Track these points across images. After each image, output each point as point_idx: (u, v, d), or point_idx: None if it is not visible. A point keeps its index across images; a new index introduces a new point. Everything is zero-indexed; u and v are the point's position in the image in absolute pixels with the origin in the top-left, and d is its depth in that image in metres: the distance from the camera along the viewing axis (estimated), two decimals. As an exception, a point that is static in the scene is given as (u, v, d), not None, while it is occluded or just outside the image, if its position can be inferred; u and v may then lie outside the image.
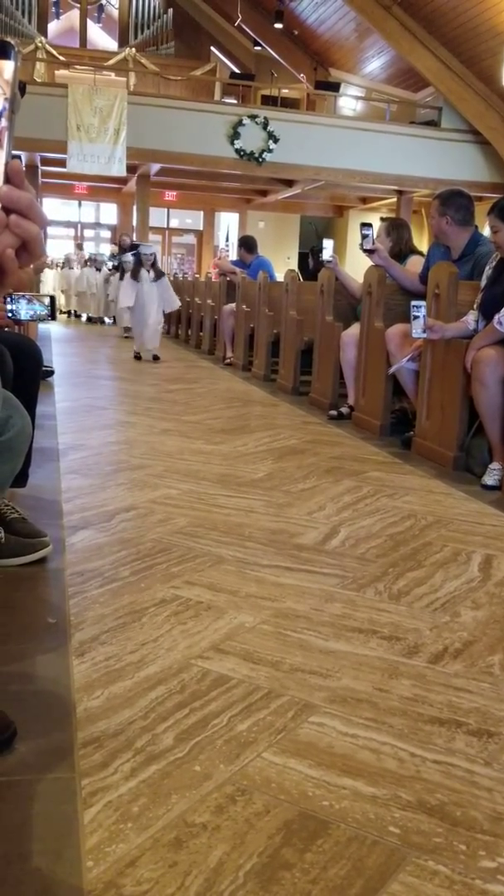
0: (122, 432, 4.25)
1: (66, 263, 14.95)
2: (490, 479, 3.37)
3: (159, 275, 8.00)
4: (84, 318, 14.66)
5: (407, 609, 2.05)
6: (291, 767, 1.35)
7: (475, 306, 3.71)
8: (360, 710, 1.54)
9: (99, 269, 13.32)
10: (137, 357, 8.12)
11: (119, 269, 10.68)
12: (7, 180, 0.62)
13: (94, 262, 13.43)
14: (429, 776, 1.35)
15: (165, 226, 19.02)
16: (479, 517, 2.95)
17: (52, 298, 2.23)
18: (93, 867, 1.11)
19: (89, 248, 17.71)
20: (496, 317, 3.38)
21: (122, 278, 9.94)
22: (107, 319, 13.64)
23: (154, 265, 7.93)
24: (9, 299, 2.11)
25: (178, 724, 1.46)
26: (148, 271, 7.83)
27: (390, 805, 1.27)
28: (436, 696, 1.61)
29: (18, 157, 0.58)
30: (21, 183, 0.65)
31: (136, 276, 7.87)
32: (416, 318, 3.61)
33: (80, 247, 17.03)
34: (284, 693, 1.59)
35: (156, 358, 8.02)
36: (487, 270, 3.70)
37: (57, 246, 16.50)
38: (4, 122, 0.61)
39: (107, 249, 16.30)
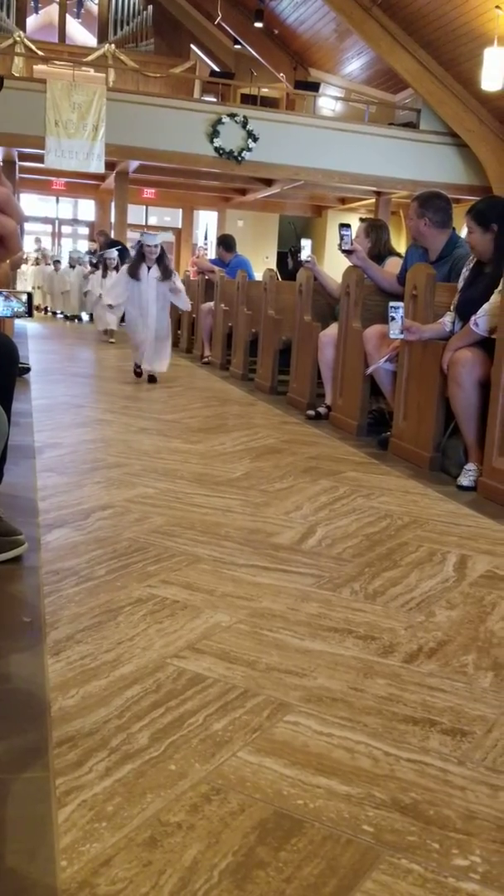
0: (99, 430, 4.23)
1: (43, 259, 14.85)
2: (465, 479, 3.40)
3: (167, 273, 6.08)
4: (60, 315, 14.58)
5: (382, 609, 2.06)
6: (266, 766, 1.35)
7: (452, 308, 3.73)
8: (335, 710, 1.55)
9: (73, 267, 13.23)
10: (138, 372, 6.40)
11: (100, 265, 10.36)
12: None
13: (72, 260, 13.34)
14: (403, 775, 1.36)
15: (144, 223, 18.94)
16: (454, 517, 2.97)
17: (30, 295, 2.22)
18: (67, 867, 1.11)
19: (67, 245, 17.61)
20: (473, 318, 3.41)
21: (104, 275, 9.73)
22: (84, 316, 13.56)
23: (162, 259, 6.06)
24: (-15, 296, 2.09)
25: (154, 724, 1.46)
26: (150, 268, 6.04)
27: (364, 804, 1.27)
28: (410, 695, 1.62)
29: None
30: None
31: (135, 272, 6.02)
32: (393, 318, 3.63)
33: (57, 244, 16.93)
34: (260, 692, 1.59)
35: (152, 379, 6.27)
36: (464, 272, 3.73)
37: (34, 242, 16.37)
38: None
39: (84, 246, 16.22)
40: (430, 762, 1.40)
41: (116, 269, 9.41)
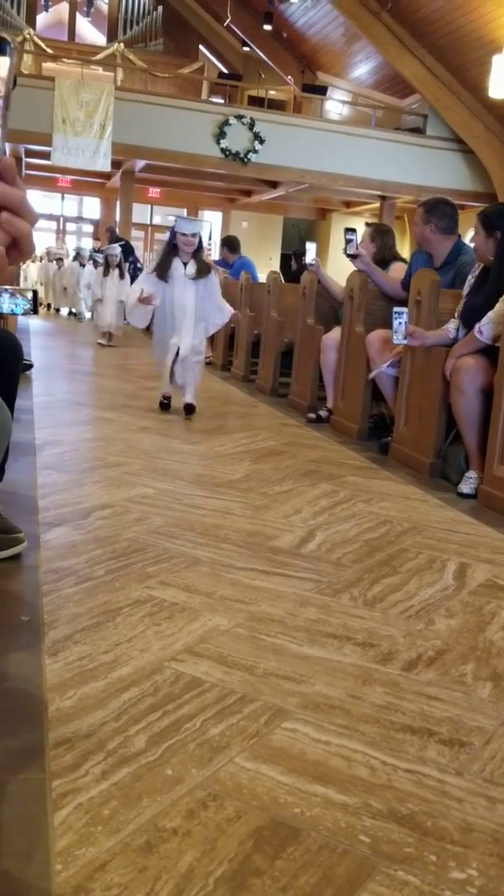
0: (100, 429, 4.22)
1: (47, 256, 14.83)
2: (466, 487, 3.39)
3: (203, 270, 4.66)
4: (64, 312, 14.56)
5: (381, 615, 2.06)
6: (263, 773, 1.34)
7: (456, 315, 3.73)
8: (333, 717, 1.54)
9: (83, 265, 13.21)
10: (166, 405, 4.83)
11: (104, 262, 9.52)
12: (0, 177, 0.61)
13: (79, 257, 13.31)
14: (400, 785, 1.35)
15: (148, 222, 18.94)
16: (454, 525, 2.97)
17: (35, 293, 2.21)
18: (62, 870, 1.10)
19: (72, 243, 17.60)
20: (476, 326, 3.40)
21: (105, 273, 9.12)
22: (86, 314, 13.54)
23: (198, 254, 4.65)
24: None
25: (151, 727, 1.45)
26: (185, 264, 4.60)
27: (361, 813, 1.27)
28: (408, 704, 1.62)
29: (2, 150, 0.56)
30: (13, 180, 0.64)
31: (164, 271, 4.57)
32: (397, 324, 3.62)
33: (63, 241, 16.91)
34: (258, 698, 1.58)
35: (189, 409, 4.70)
36: (470, 279, 3.72)
37: (40, 239, 16.36)
38: None
39: (88, 244, 16.20)
40: (428, 773, 1.39)
41: (119, 266, 9.11)
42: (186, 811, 1.24)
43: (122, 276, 9.08)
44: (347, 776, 1.36)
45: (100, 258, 10.19)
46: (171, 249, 4.59)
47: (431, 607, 2.14)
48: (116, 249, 9.22)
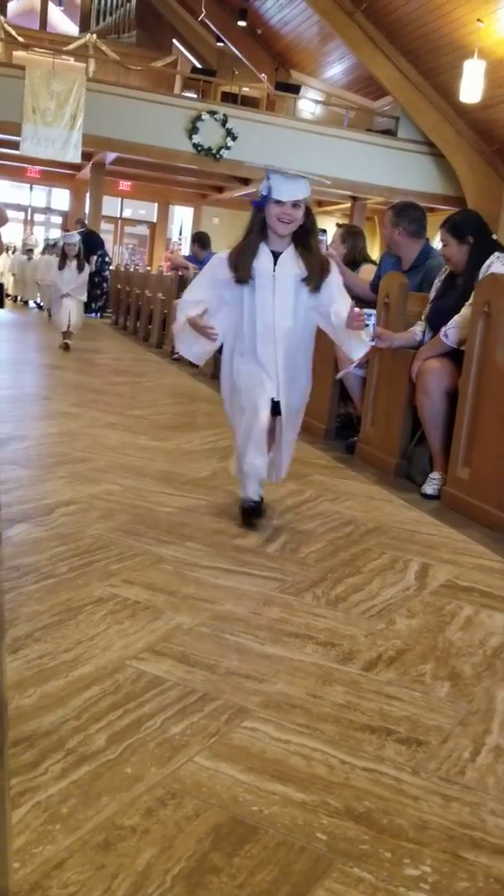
0: (65, 424, 4.20)
1: (21, 248, 14.64)
2: (430, 488, 3.43)
3: (317, 267, 2.67)
4: (31, 304, 14.43)
5: (344, 615, 2.08)
6: (223, 772, 1.35)
7: (423, 318, 3.76)
8: (294, 716, 1.55)
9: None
10: (253, 508, 2.77)
11: (60, 253, 8.03)
12: None
13: (53, 249, 13.14)
14: (357, 783, 1.37)
15: (118, 215, 18.83)
16: (417, 525, 3.00)
17: (1, 286, 2.19)
18: (19, 868, 1.10)
19: (41, 234, 17.44)
20: (443, 329, 3.44)
21: (61, 265, 7.66)
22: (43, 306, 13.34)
23: (305, 238, 2.67)
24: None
25: (111, 726, 1.45)
26: (278, 255, 2.67)
27: (319, 811, 1.28)
28: (368, 703, 1.64)
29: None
30: None
31: (244, 268, 2.65)
32: (365, 325, 3.64)
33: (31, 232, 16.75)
34: (219, 697, 1.59)
35: (250, 514, 2.78)
36: (437, 283, 3.76)
37: (7, 230, 16.17)
38: None
39: (57, 235, 16.05)
40: (385, 771, 1.41)
41: (77, 257, 7.65)
42: (145, 809, 1.24)
43: (80, 268, 7.66)
44: (306, 774, 1.37)
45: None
46: (260, 229, 2.65)
47: (393, 607, 2.16)
48: (74, 238, 7.82)
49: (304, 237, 2.64)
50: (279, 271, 2.64)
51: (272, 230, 2.63)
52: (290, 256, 2.65)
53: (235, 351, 2.74)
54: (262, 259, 2.65)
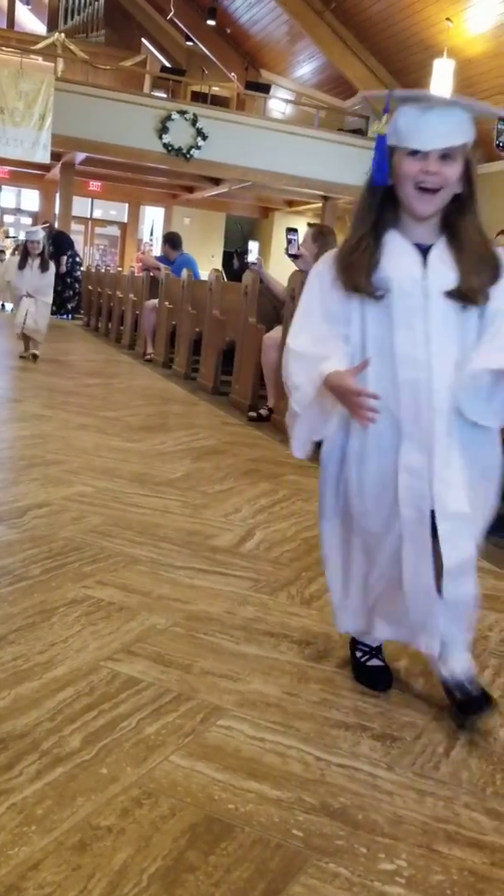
0: (37, 426, 4.17)
1: None
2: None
3: (483, 276, 1.53)
4: (2, 306, 14.31)
5: (318, 613, 2.09)
6: (198, 771, 1.36)
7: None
8: (269, 714, 1.56)
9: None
10: (380, 675, 1.74)
11: (21, 250, 7.10)
12: None
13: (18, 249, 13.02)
14: (333, 780, 1.38)
15: (89, 216, 18.73)
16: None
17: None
18: (-6, 873, 1.09)
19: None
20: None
21: (21, 265, 6.85)
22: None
23: (457, 218, 1.53)
24: None
25: (86, 727, 1.45)
26: (427, 249, 1.54)
27: (294, 808, 1.29)
28: (343, 700, 1.65)
29: None
30: None
31: (360, 269, 1.52)
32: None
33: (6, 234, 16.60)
34: (194, 696, 1.59)
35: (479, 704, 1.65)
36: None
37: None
38: None
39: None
40: (360, 767, 1.42)
41: (42, 255, 6.87)
42: (121, 809, 1.24)
43: (44, 268, 6.87)
44: (282, 772, 1.38)
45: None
46: (383, 211, 1.56)
47: (366, 604, 2.17)
48: (38, 235, 7.01)
49: (460, 215, 1.52)
50: (433, 280, 1.50)
51: (408, 209, 1.51)
52: (446, 253, 1.52)
53: (343, 429, 1.62)
54: (399, 259, 1.51)
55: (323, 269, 1.58)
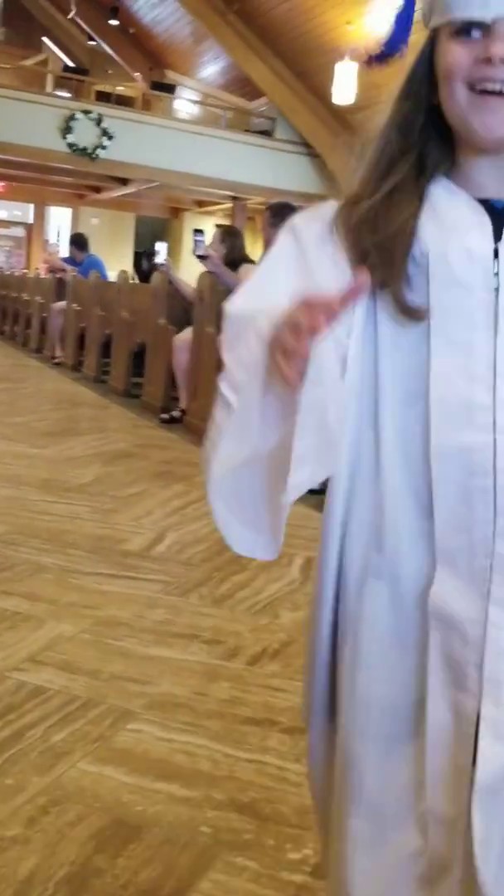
0: None
1: None
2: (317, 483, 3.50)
3: None
4: None
5: (229, 612, 2.10)
6: (107, 775, 1.36)
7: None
8: (178, 715, 1.57)
9: None
10: None
11: None
12: None
13: None
14: (242, 775, 1.39)
15: (-6, 218, 18.32)
16: (303, 520, 3.04)
17: None
18: None
19: None
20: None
21: None
22: None
23: None
24: None
25: (-8, 738, 1.43)
26: None
27: (203, 806, 1.30)
28: (252, 696, 1.67)
29: None
30: None
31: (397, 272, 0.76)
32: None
33: None
34: (102, 702, 1.59)
35: None
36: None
37: None
38: None
39: None
40: (269, 761, 1.44)
41: None
42: (27, 819, 1.23)
43: None
44: (191, 771, 1.39)
45: None
46: (421, 132, 0.80)
47: (277, 602, 2.21)
48: None
49: None
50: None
51: (464, 134, 0.77)
52: None
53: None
54: (452, 223, 0.79)
55: (304, 224, 0.89)
